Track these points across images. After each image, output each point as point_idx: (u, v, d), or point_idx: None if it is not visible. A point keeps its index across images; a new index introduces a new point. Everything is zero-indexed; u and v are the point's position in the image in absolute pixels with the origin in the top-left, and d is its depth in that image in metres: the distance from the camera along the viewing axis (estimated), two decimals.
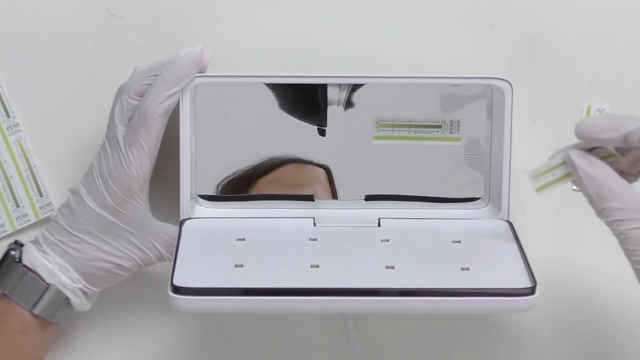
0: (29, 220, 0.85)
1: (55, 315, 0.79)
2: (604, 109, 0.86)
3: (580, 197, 0.70)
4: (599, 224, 0.77)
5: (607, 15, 0.85)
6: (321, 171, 0.84)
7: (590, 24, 0.85)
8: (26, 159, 0.85)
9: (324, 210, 0.81)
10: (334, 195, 0.83)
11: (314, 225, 0.78)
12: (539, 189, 0.73)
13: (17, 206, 0.85)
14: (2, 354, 0.78)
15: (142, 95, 0.76)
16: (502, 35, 0.85)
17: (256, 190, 0.83)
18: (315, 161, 0.84)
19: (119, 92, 0.77)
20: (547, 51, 0.85)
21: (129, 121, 0.76)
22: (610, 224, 0.69)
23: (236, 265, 0.70)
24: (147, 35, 0.84)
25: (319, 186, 0.84)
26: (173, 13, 0.84)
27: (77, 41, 0.84)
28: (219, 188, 0.82)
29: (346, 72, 0.80)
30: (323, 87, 0.81)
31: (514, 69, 0.85)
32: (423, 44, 0.85)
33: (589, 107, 0.86)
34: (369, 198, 0.83)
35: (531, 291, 0.69)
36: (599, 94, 0.86)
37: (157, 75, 0.76)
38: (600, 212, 0.70)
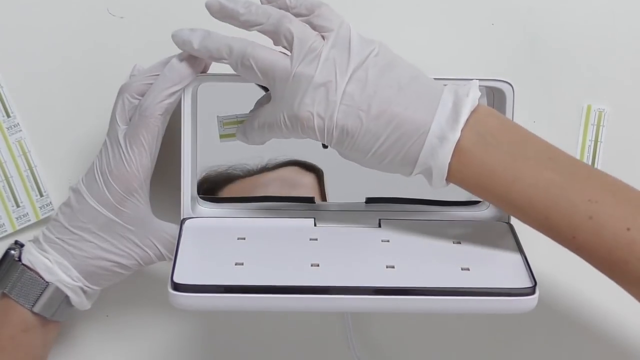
0: (29, 220, 0.85)
1: (56, 314, 0.79)
2: (604, 109, 0.86)
3: None
4: None
5: (607, 15, 0.85)
6: (311, 175, 0.84)
7: (590, 23, 0.85)
8: (26, 159, 0.85)
9: (325, 212, 0.82)
10: (324, 200, 0.84)
11: (315, 225, 0.78)
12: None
13: (17, 206, 0.85)
14: (5, 352, 0.78)
15: (143, 94, 0.76)
16: (502, 35, 0.85)
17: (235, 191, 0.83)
18: (313, 163, 0.84)
19: (121, 92, 0.77)
20: (547, 51, 0.85)
21: (130, 120, 0.76)
22: None
23: (236, 264, 0.70)
24: (147, 35, 0.84)
25: (313, 191, 0.84)
26: (173, 13, 0.84)
27: (77, 41, 0.84)
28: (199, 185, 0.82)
29: None
30: None
31: (514, 69, 0.85)
32: (423, 45, 0.85)
33: (589, 107, 0.86)
34: (369, 201, 0.83)
35: (531, 291, 0.69)
36: (599, 94, 0.86)
37: (158, 74, 0.76)
38: None
